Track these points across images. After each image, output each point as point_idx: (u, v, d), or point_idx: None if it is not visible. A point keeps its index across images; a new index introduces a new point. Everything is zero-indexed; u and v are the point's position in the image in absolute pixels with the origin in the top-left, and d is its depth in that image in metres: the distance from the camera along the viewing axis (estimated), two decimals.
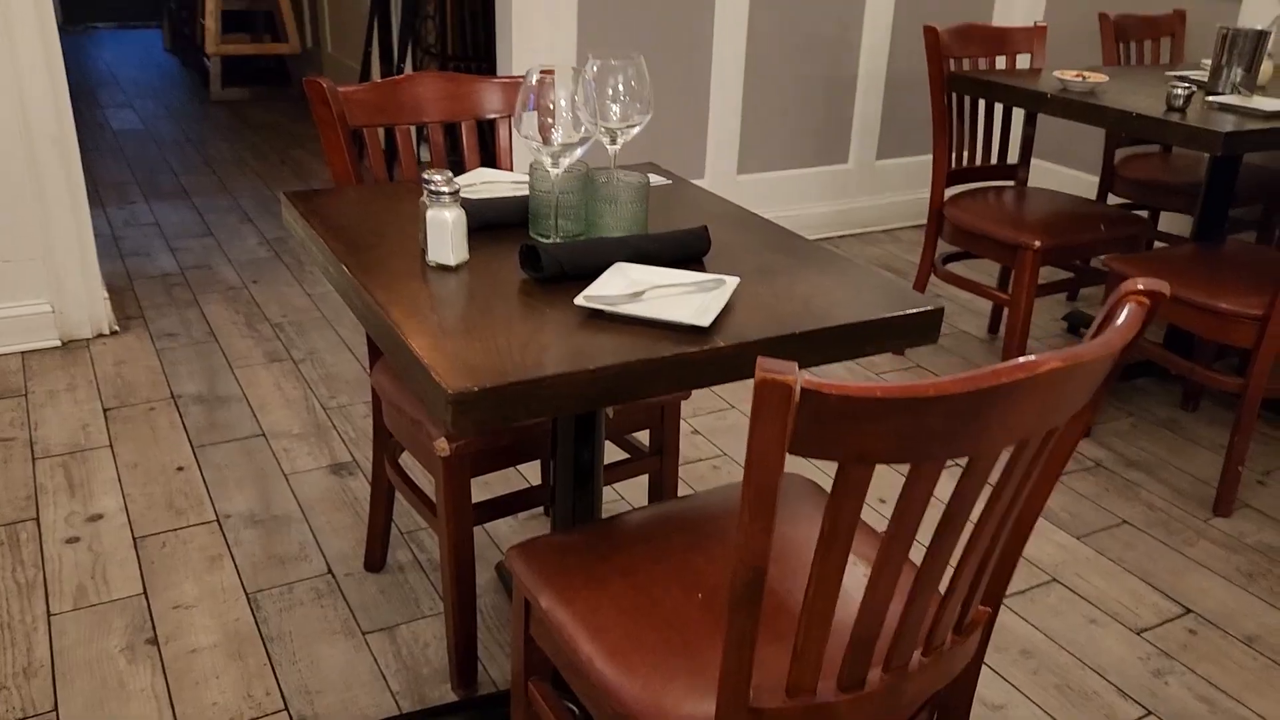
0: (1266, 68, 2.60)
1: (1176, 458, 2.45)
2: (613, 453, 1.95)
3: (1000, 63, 2.87)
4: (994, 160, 2.89)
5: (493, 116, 1.77)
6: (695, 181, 3.54)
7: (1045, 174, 3.92)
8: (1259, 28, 2.44)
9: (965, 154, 2.79)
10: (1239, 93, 2.42)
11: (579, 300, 1.13)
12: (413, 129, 1.77)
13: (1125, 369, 2.75)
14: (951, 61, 2.73)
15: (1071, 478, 2.35)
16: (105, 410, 2.48)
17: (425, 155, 4.23)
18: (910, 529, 0.88)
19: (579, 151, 1.26)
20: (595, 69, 1.34)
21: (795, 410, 0.76)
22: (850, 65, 3.69)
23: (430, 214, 1.22)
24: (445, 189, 1.22)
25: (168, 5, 7.05)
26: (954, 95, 2.68)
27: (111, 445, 2.33)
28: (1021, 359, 0.80)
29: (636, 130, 1.36)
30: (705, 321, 1.10)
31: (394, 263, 1.26)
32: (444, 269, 1.24)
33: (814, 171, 3.78)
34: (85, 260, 2.78)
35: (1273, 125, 2.16)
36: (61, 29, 7.96)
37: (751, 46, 3.46)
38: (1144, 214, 3.32)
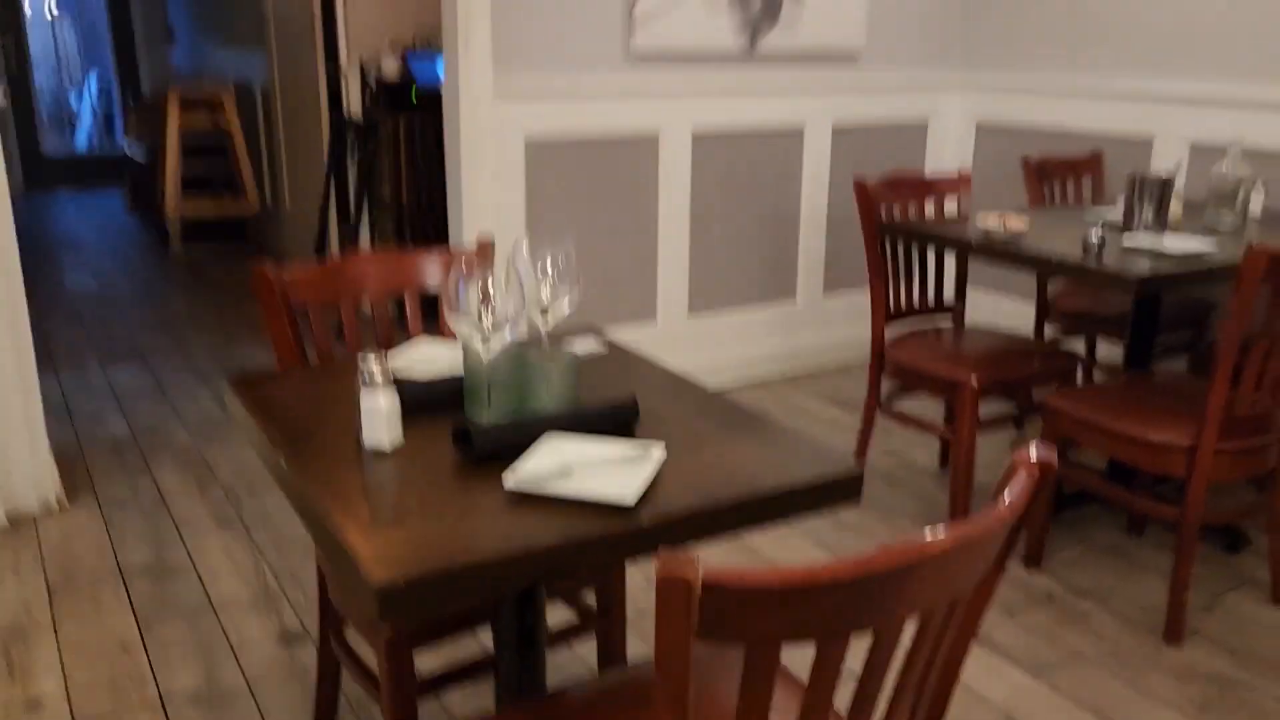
0: (1176, 208, 2.75)
1: (1126, 585, 2.48)
2: (564, 613, 1.94)
3: (930, 207, 3.01)
4: (931, 299, 3.00)
5: (434, 290, 1.83)
6: (648, 325, 3.64)
7: (986, 304, 4.05)
8: (1163, 175, 2.60)
9: (903, 295, 2.90)
10: (1151, 234, 2.55)
11: (508, 484, 1.16)
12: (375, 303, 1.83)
13: (1071, 497, 2.80)
14: (883, 209, 2.86)
15: (1024, 612, 2.36)
16: (50, 588, 2.44)
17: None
18: (825, 701, 0.90)
19: (508, 333, 1.32)
20: (525, 250, 1.41)
21: (698, 602, 0.79)
22: (792, 206, 3.85)
23: (364, 400, 1.26)
24: (378, 374, 1.26)
25: (129, 167, 7.22)
26: (887, 241, 2.80)
27: (55, 625, 2.29)
28: (909, 540, 0.84)
29: (566, 308, 1.42)
30: (631, 500, 1.13)
31: (331, 449, 1.29)
32: (379, 454, 1.27)
33: (763, 310, 3.88)
34: (33, 432, 2.77)
35: (1184, 267, 2.28)
36: (23, 193, 8.12)
37: (695, 193, 3.61)
38: (1082, 340, 3.45)
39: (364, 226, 4.54)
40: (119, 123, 8.77)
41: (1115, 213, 2.78)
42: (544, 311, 1.42)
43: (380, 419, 1.25)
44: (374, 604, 0.97)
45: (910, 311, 2.94)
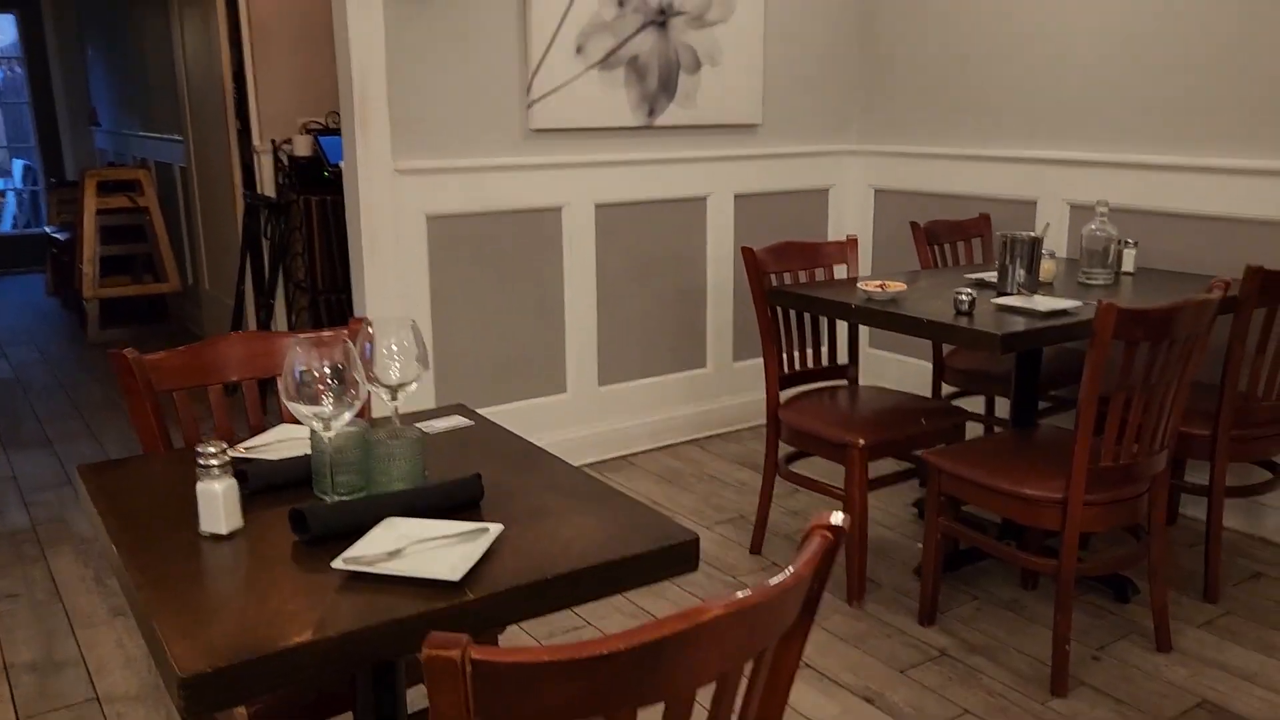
0: (1049, 266, 2.87)
1: (1017, 639, 2.52)
2: None
3: (821, 274, 3.10)
4: (825, 361, 3.08)
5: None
6: (558, 396, 3.67)
7: (886, 364, 4.15)
8: (1033, 234, 2.71)
9: (797, 358, 2.97)
10: (1022, 293, 2.65)
11: (336, 563, 1.18)
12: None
13: (967, 552, 2.85)
14: (772, 276, 2.94)
15: (916, 669, 2.39)
16: None
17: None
18: None
19: (348, 415, 1.34)
20: (372, 331, 1.44)
21: (471, 682, 0.81)
22: (698, 274, 3.93)
23: (200, 486, 1.27)
24: (214, 460, 1.27)
25: (50, 250, 7.15)
26: (778, 307, 2.87)
27: None
28: (685, 610, 0.87)
29: (413, 387, 1.45)
30: (457, 576, 1.15)
31: (170, 537, 1.29)
32: (217, 539, 1.28)
33: (674, 377, 3.94)
34: None
35: (1048, 324, 2.37)
36: None
37: (601, 263, 3.67)
38: (979, 398, 3.54)
39: (280, 305, 4.54)
40: (43, 205, 8.69)
41: (994, 274, 2.88)
42: (393, 392, 1.44)
43: (216, 503, 1.26)
44: (178, 695, 0.97)
45: (806, 374, 3.01)
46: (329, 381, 1.33)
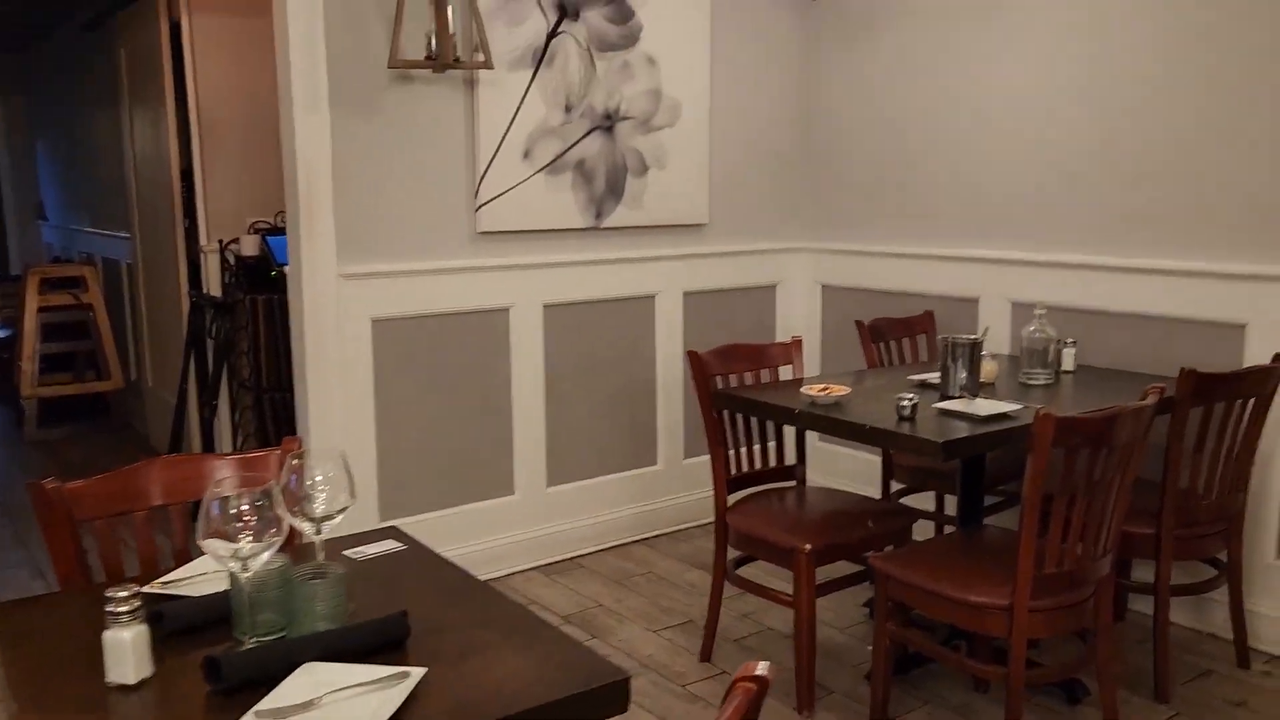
0: (989, 367, 2.91)
1: None
2: None
3: (768, 375, 3.12)
4: (773, 462, 3.07)
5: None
6: (506, 499, 3.62)
7: (838, 458, 4.16)
8: (973, 337, 2.75)
9: (745, 458, 2.96)
10: (964, 395, 2.68)
11: (247, 718, 1.13)
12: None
13: (919, 655, 2.82)
14: (719, 379, 2.95)
15: None
16: None
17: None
18: None
19: (266, 555, 1.30)
20: (298, 464, 1.41)
21: None
22: (648, 374, 3.93)
23: (107, 634, 1.22)
24: (123, 606, 1.22)
25: None
26: (723, 410, 2.87)
27: None
28: None
29: (339, 520, 1.42)
30: None
31: (75, 686, 1.23)
32: (125, 689, 1.22)
33: (624, 475, 3.91)
34: None
35: (988, 429, 2.39)
36: None
37: (549, 364, 3.66)
38: (929, 494, 3.54)
39: (224, 405, 4.47)
40: None
41: (937, 374, 2.91)
42: (318, 526, 1.41)
43: (122, 652, 1.21)
44: None
45: (754, 475, 3.00)
46: (248, 520, 1.30)
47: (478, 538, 3.55)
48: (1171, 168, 3.09)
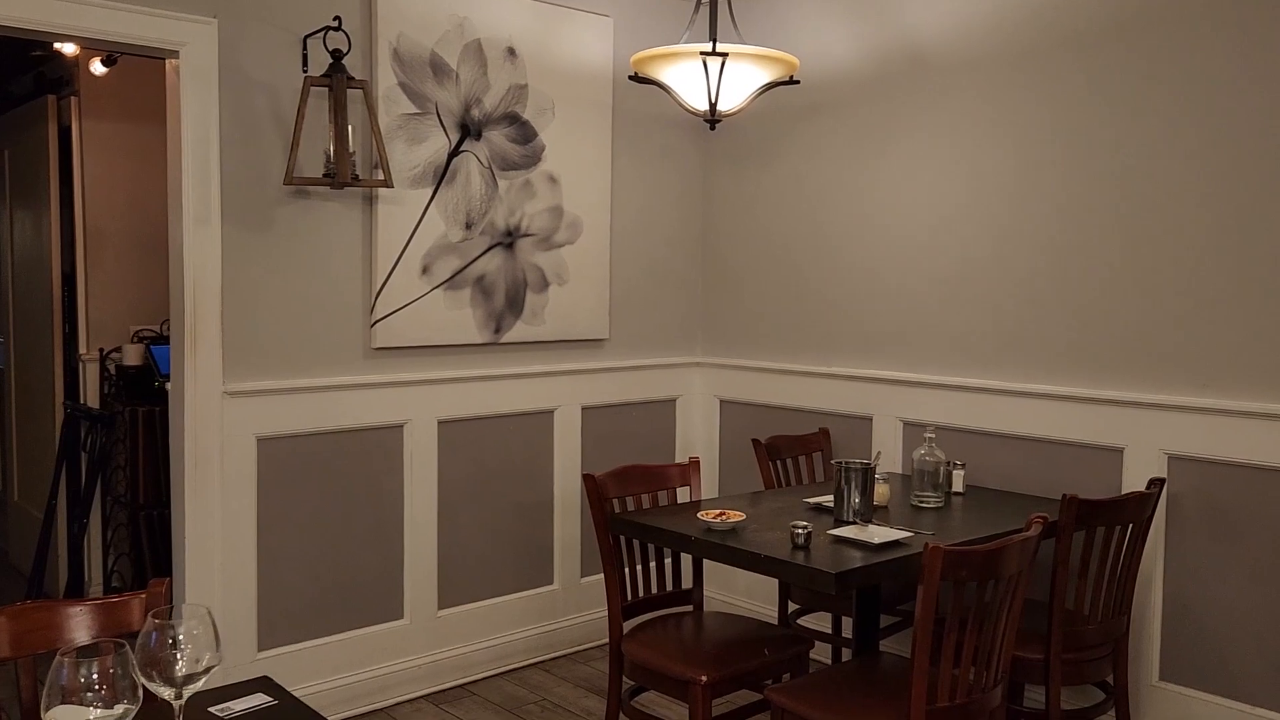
0: (882, 490, 2.95)
1: None
2: None
3: (664, 497, 3.10)
4: (669, 586, 3.03)
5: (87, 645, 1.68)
6: (395, 623, 3.47)
7: (736, 576, 4.11)
8: (864, 462, 2.79)
9: (641, 584, 2.91)
10: (858, 521, 2.70)
11: None
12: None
13: None
14: (615, 501, 2.92)
15: None
16: None
17: None
18: None
19: None
20: (156, 622, 1.32)
21: None
22: (545, 491, 3.87)
23: None
24: None
25: None
26: (619, 535, 2.83)
27: None
28: None
29: (203, 683, 1.32)
30: None
31: None
32: None
33: (520, 596, 3.80)
34: None
35: (881, 559, 2.41)
36: None
37: (443, 480, 3.57)
38: (827, 615, 3.53)
39: (96, 521, 4.22)
40: None
41: (831, 498, 2.94)
42: (178, 690, 1.31)
43: None
44: None
45: (650, 601, 2.95)
46: (98, 687, 1.20)
47: (364, 665, 3.39)
48: (1053, 295, 3.24)
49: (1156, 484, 2.84)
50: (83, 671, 1.20)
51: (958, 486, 3.16)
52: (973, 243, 3.43)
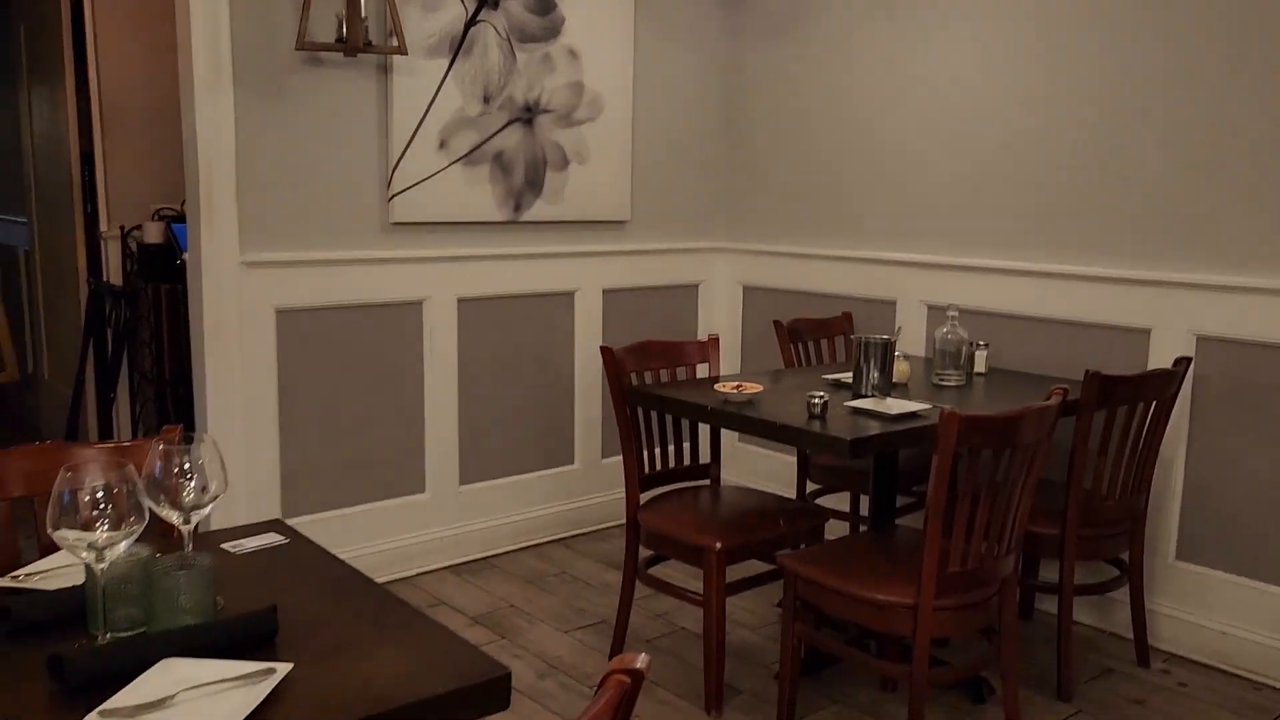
0: (903, 367, 2.92)
1: None
2: None
3: (683, 373, 3.08)
4: (687, 460, 3.04)
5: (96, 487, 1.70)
6: (417, 496, 3.53)
7: (756, 458, 4.15)
8: (885, 337, 2.75)
9: (659, 457, 2.92)
10: (876, 395, 2.68)
11: (91, 717, 1.04)
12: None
13: (828, 655, 2.80)
14: (633, 376, 2.91)
15: None
16: None
17: None
18: None
19: (124, 545, 1.21)
20: (162, 450, 1.32)
21: None
22: (566, 372, 3.87)
23: None
24: None
25: None
26: (637, 407, 2.83)
27: None
28: None
29: (208, 510, 1.33)
30: None
31: None
32: None
33: (540, 475, 3.84)
34: None
35: (897, 428, 2.39)
36: None
37: (464, 359, 3.58)
38: (845, 495, 3.54)
39: (124, 397, 4.29)
40: None
41: (851, 374, 2.91)
42: (186, 515, 1.32)
43: None
44: None
45: (667, 474, 2.96)
46: (107, 505, 1.21)
47: (386, 536, 3.46)
48: (1081, 175, 3.14)
49: (1183, 362, 2.79)
50: (88, 491, 1.21)
51: (980, 367, 3.12)
52: (1004, 124, 3.31)
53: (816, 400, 2.45)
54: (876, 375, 2.72)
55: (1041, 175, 3.24)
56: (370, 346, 3.37)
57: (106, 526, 1.20)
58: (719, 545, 2.55)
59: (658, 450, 2.93)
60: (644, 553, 2.86)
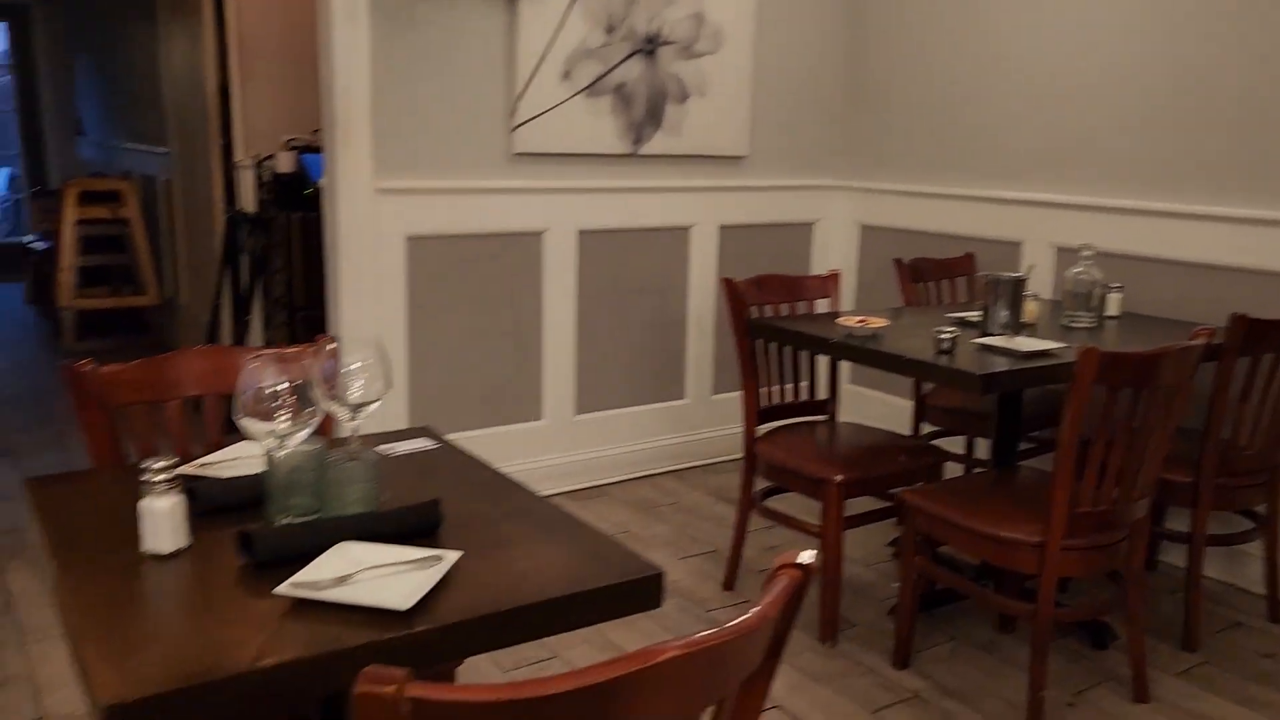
0: (1031, 307, 2.85)
1: (993, 682, 2.47)
2: None
3: (804, 308, 3.07)
4: (805, 396, 3.04)
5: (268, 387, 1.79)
6: (534, 424, 3.62)
7: (867, 401, 4.12)
8: (1017, 275, 2.69)
9: (777, 391, 2.93)
10: (1005, 333, 2.63)
11: (281, 588, 1.12)
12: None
13: (944, 593, 2.81)
14: (754, 309, 2.91)
15: (889, 711, 2.34)
16: None
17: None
18: None
19: (303, 434, 1.29)
20: (335, 349, 1.39)
21: None
22: (679, 307, 3.90)
23: (143, 502, 1.22)
24: (159, 476, 1.22)
25: (30, 259, 7.07)
26: (757, 340, 2.84)
27: None
28: (639, 651, 0.82)
29: (374, 407, 1.40)
30: (406, 605, 1.10)
31: (111, 555, 1.23)
32: (160, 558, 1.22)
33: (652, 408, 3.89)
34: None
35: (1029, 365, 2.34)
36: None
37: (582, 290, 3.63)
38: (962, 438, 3.50)
39: (258, 321, 4.48)
40: (26, 214, 8.62)
41: (977, 313, 2.86)
42: (354, 412, 1.40)
43: (158, 520, 1.21)
44: None
45: (784, 409, 2.97)
46: (286, 399, 1.29)
47: (504, 461, 3.50)
48: (1230, 110, 2.98)
49: None
50: (270, 386, 1.28)
51: (1112, 310, 3.03)
52: (1140, 54, 3.16)
53: (946, 335, 2.42)
54: (1006, 314, 2.67)
55: (1189, 108, 3.08)
56: (493, 275, 3.45)
57: (287, 418, 1.28)
58: (840, 478, 2.56)
59: (775, 386, 2.93)
60: (758, 484, 2.89)
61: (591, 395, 3.73)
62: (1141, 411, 2.15)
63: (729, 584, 2.95)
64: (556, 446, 3.67)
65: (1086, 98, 3.35)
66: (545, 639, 2.62)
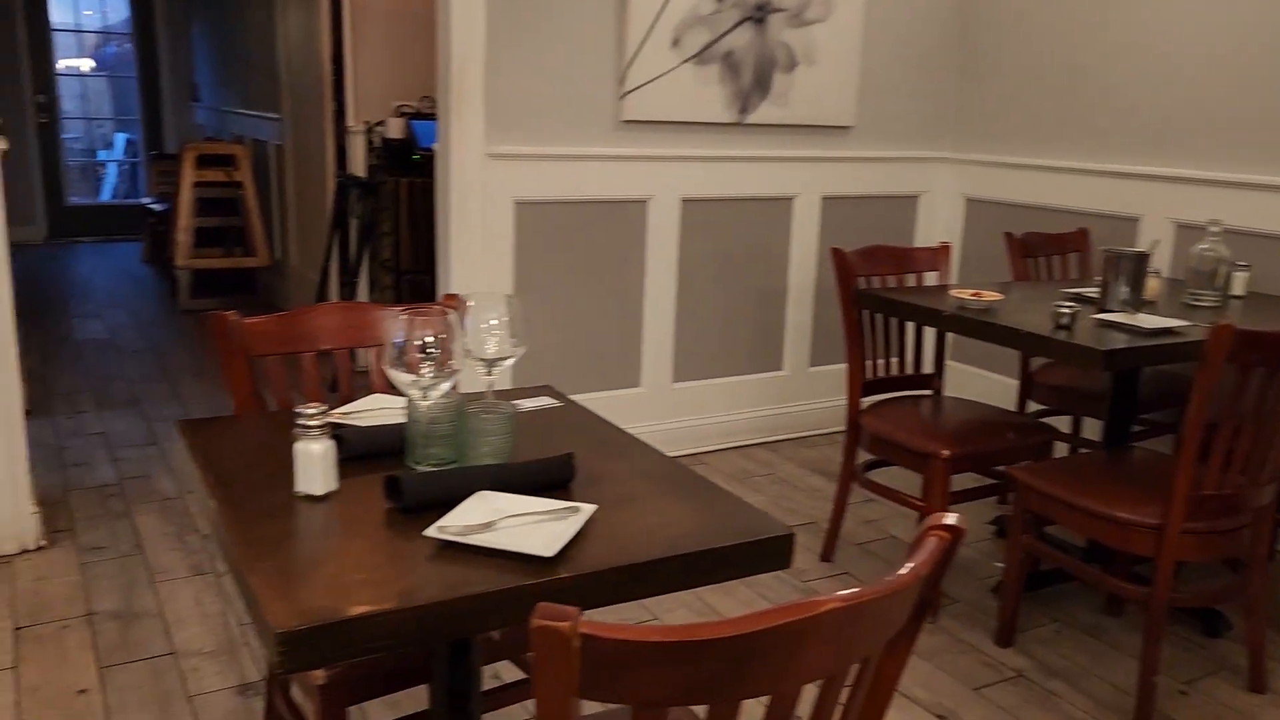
0: (1153, 284, 2.77)
1: (1099, 666, 2.44)
2: (509, 672, 1.93)
3: (911, 279, 3.04)
4: (910, 370, 3.01)
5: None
6: (632, 390, 3.65)
7: (970, 378, 4.05)
8: (1140, 250, 2.61)
9: (881, 366, 2.91)
10: (1126, 310, 2.56)
11: (429, 531, 1.17)
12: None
13: (1049, 574, 2.77)
14: (862, 280, 2.89)
15: (992, 689, 2.32)
16: (16, 629, 2.44)
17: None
18: None
19: (445, 385, 1.33)
20: (472, 306, 1.43)
21: (578, 656, 0.79)
22: (779, 278, 3.88)
23: (298, 445, 1.28)
24: (313, 421, 1.27)
25: (147, 220, 7.37)
26: (864, 311, 2.82)
27: (16, 666, 2.28)
28: (800, 601, 0.84)
29: (510, 362, 1.44)
30: (550, 552, 1.14)
31: (265, 495, 1.30)
32: (312, 499, 1.28)
33: (749, 379, 3.89)
34: (15, 475, 2.80)
35: (1153, 342, 2.28)
36: (45, 241, 8.27)
37: (683, 259, 3.64)
38: (1069, 418, 3.43)
39: (364, 284, 4.61)
40: (143, 176, 8.97)
41: (1093, 289, 2.79)
42: (490, 367, 1.44)
43: (312, 463, 1.27)
44: (275, 650, 0.97)
45: (889, 382, 2.94)
46: (428, 352, 1.33)
47: None
48: None
49: None
50: (415, 337, 1.33)
51: (1238, 289, 2.92)
52: (1273, 21, 3.02)
53: (1065, 310, 2.36)
54: (1126, 290, 2.60)
55: None
56: (597, 242, 3.48)
57: (431, 369, 1.32)
58: (946, 453, 2.54)
59: (879, 359, 2.91)
60: (860, 457, 2.87)
61: (689, 364, 3.75)
62: (1274, 392, 2.08)
63: (827, 555, 2.95)
64: (653, 413, 3.70)
65: (1213, 67, 3.22)
66: (645, 600, 2.66)
